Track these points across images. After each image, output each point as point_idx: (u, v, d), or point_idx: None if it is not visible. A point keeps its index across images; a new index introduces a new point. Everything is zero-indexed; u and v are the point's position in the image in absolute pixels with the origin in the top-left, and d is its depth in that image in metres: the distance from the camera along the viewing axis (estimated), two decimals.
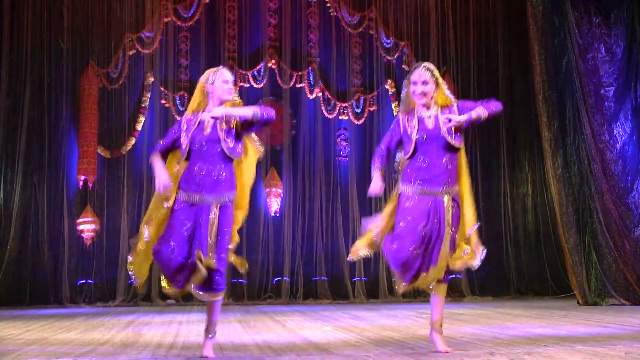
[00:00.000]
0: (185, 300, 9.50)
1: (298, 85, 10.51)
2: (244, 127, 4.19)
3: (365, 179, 10.39)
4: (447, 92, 4.31)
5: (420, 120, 4.25)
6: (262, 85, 10.35)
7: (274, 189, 10.18)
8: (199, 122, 4.20)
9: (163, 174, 4.13)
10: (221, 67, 4.34)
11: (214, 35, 10.35)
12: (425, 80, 4.23)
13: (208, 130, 4.16)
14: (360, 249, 4.36)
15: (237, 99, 4.34)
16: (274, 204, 10.18)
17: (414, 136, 4.21)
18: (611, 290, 7.99)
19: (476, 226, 4.19)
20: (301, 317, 7.22)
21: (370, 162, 4.54)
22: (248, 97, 9.95)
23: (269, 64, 10.38)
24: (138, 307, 9.28)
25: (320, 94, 10.53)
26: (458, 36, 10.81)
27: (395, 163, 4.40)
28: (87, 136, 9.78)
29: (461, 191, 4.25)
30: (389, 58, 10.67)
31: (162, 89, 10.16)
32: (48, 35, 9.93)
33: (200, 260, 4.00)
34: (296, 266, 10.11)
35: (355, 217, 10.25)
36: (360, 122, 10.61)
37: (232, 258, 4.24)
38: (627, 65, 8.48)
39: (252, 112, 4.10)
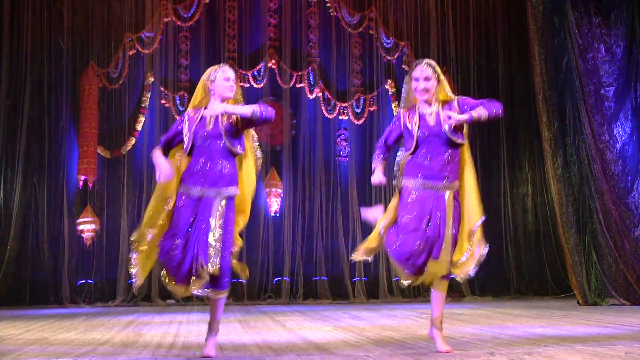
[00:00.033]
0: (185, 300, 9.51)
1: (298, 85, 10.52)
2: (243, 124, 4.20)
3: (365, 179, 10.40)
4: (448, 89, 4.32)
5: (422, 117, 4.25)
6: (262, 85, 10.35)
7: (274, 189, 10.18)
8: (201, 118, 4.21)
9: (164, 163, 4.13)
10: (223, 64, 4.35)
11: (214, 35, 10.35)
12: (427, 77, 4.24)
13: (210, 125, 4.18)
14: (362, 254, 4.35)
15: (239, 96, 4.35)
16: (274, 204, 10.18)
17: (415, 133, 4.21)
18: (611, 290, 7.99)
19: (481, 220, 4.18)
20: (301, 317, 7.22)
21: (370, 162, 4.55)
22: (248, 97, 9.93)
23: (269, 64, 10.38)
24: (138, 307, 9.28)
25: (320, 94, 10.53)
26: (458, 36, 10.81)
27: (395, 163, 4.39)
28: (87, 136, 9.78)
29: (466, 185, 4.22)
30: (389, 58, 10.67)
31: (162, 89, 10.16)
32: (48, 35, 9.93)
33: (202, 268, 3.98)
34: (296, 266, 10.11)
35: (355, 217, 10.25)
36: (360, 122, 10.61)
37: (234, 261, 4.22)
38: (627, 65, 8.48)
39: (252, 110, 4.11)
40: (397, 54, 10.65)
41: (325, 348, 4.48)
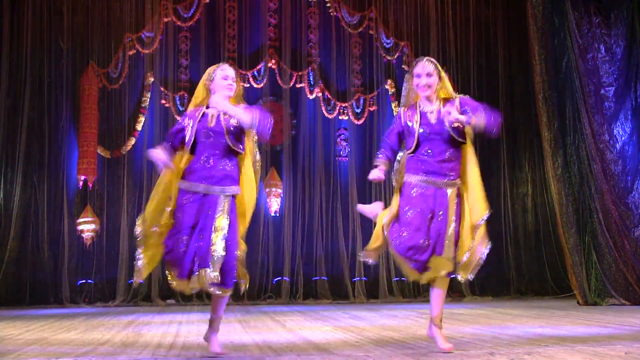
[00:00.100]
0: (185, 300, 9.52)
1: (298, 85, 10.52)
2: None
3: (365, 179, 10.37)
4: (450, 87, 4.31)
5: (423, 115, 4.24)
6: (262, 85, 10.35)
7: (274, 189, 10.18)
8: (203, 115, 4.21)
9: (158, 152, 4.13)
10: (222, 63, 4.36)
11: (214, 35, 10.36)
12: (429, 72, 4.24)
13: (212, 122, 4.18)
14: (372, 255, 4.35)
15: (240, 94, 4.36)
16: (274, 204, 10.18)
17: (416, 131, 4.20)
18: (611, 290, 7.99)
19: (487, 215, 4.17)
20: (301, 317, 7.22)
21: (370, 162, 4.55)
22: (248, 97, 9.94)
23: (269, 64, 10.38)
24: (138, 307, 9.28)
25: (320, 94, 10.53)
26: (458, 36, 10.81)
27: (395, 161, 4.38)
28: (87, 136, 9.78)
29: (470, 182, 4.20)
30: (389, 58, 10.67)
31: (162, 89, 10.16)
32: (48, 35, 9.94)
33: (203, 270, 3.97)
34: (296, 266, 10.11)
35: (355, 217, 10.24)
36: (360, 122, 10.61)
37: (240, 267, 4.19)
38: (627, 65, 8.48)
39: (250, 120, 4.10)
40: (397, 54, 10.65)
41: (325, 348, 4.48)
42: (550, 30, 8.52)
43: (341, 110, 10.60)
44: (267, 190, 10.13)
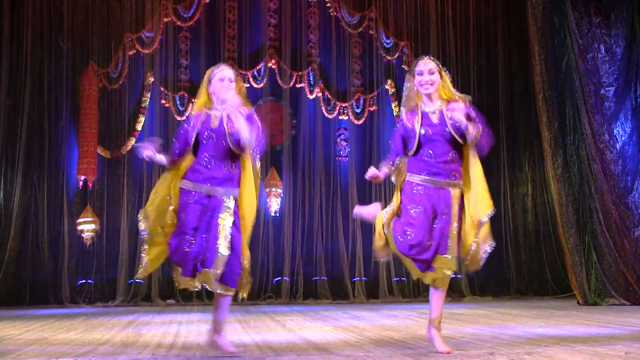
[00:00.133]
0: (185, 300, 9.52)
1: (298, 85, 10.51)
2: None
3: (365, 179, 10.39)
4: (451, 87, 4.30)
5: (425, 116, 4.23)
6: (262, 85, 10.35)
7: (274, 189, 10.18)
8: (206, 116, 4.21)
9: (148, 146, 4.19)
10: (220, 64, 4.36)
11: (214, 35, 10.36)
12: (431, 70, 4.23)
13: (215, 124, 4.18)
14: (382, 255, 4.34)
15: (243, 91, 4.36)
16: (274, 204, 10.18)
17: (417, 132, 4.19)
18: (611, 290, 7.99)
19: (491, 212, 4.16)
20: (301, 317, 7.22)
21: (371, 162, 4.53)
22: (248, 97, 9.94)
23: (269, 64, 10.38)
24: (138, 307, 9.28)
25: (320, 94, 10.53)
26: (458, 36, 10.81)
27: (395, 164, 4.36)
28: (87, 136, 9.78)
29: (473, 180, 4.19)
30: (389, 58, 10.67)
31: (162, 89, 10.16)
32: (48, 35, 9.94)
33: (207, 270, 3.98)
34: (296, 266, 10.11)
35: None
36: (360, 122, 10.61)
37: (245, 275, 4.18)
38: (627, 65, 8.48)
39: (248, 138, 4.09)
40: (397, 54, 10.65)
41: (325, 348, 4.48)
42: (550, 30, 8.52)
43: (341, 110, 10.60)
44: (267, 190, 10.13)
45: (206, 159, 4.15)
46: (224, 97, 4.23)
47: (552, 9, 8.51)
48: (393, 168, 4.33)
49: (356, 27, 10.61)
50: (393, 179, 4.36)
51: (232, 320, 6.76)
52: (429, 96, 4.25)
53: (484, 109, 10.41)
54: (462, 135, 4.17)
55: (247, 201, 4.24)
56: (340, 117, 10.61)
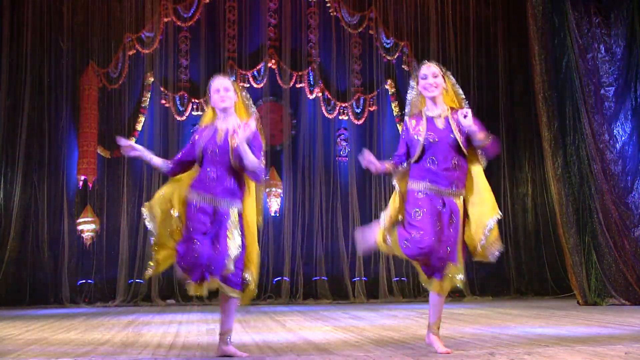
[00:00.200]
0: (185, 300, 9.52)
1: (298, 85, 10.51)
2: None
3: (365, 179, 10.41)
4: (459, 91, 4.31)
5: (429, 120, 4.22)
6: (262, 85, 10.35)
7: (274, 189, 10.18)
8: (213, 131, 4.23)
9: (126, 141, 4.41)
10: (216, 75, 4.36)
11: (214, 35, 10.36)
12: (434, 73, 4.24)
13: (221, 140, 4.18)
14: (388, 251, 4.32)
15: (246, 100, 4.36)
16: (274, 204, 10.18)
17: (422, 138, 4.18)
18: (611, 290, 7.99)
19: (496, 217, 4.17)
20: (301, 317, 7.22)
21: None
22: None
23: (269, 64, 10.38)
24: (138, 307, 9.28)
25: (320, 94, 10.53)
26: (458, 36, 10.81)
27: (399, 171, 4.34)
28: (87, 136, 9.78)
29: (476, 187, 4.21)
30: (389, 58, 10.67)
31: (162, 89, 10.16)
32: (48, 35, 9.94)
33: (214, 276, 4.00)
34: (296, 266, 10.11)
35: (355, 217, 10.25)
36: (360, 122, 10.61)
37: (251, 284, 4.19)
38: (627, 65, 8.48)
39: (254, 167, 4.10)
40: (397, 54, 10.65)
41: (325, 348, 4.48)
42: (550, 30, 8.52)
43: (341, 110, 10.59)
44: (267, 190, 10.13)
45: (211, 171, 4.15)
46: (222, 107, 4.23)
47: (552, 9, 8.51)
48: (398, 169, 4.31)
49: (356, 27, 10.61)
50: (395, 182, 4.35)
51: None
52: (433, 100, 4.25)
53: (484, 109, 10.45)
54: (467, 140, 4.16)
55: (248, 210, 4.26)
56: (340, 117, 10.61)
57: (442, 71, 4.28)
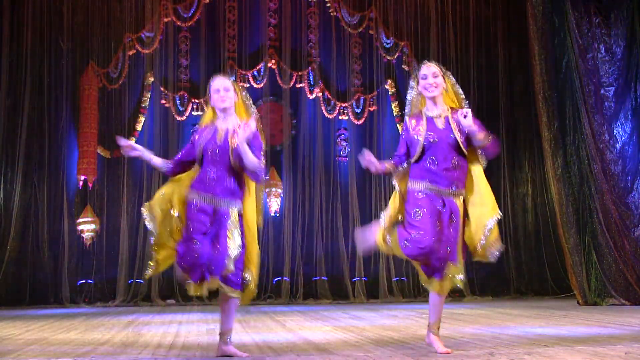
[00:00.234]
0: (185, 300, 9.52)
1: (298, 85, 10.51)
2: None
3: (365, 179, 10.41)
4: (459, 91, 4.31)
5: (429, 120, 4.22)
6: (262, 85, 10.35)
7: (274, 189, 10.18)
8: (213, 131, 4.23)
9: (125, 141, 4.39)
10: (216, 75, 4.36)
11: (214, 35, 10.36)
12: (435, 73, 4.25)
13: (221, 139, 4.18)
14: (388, 250, 4.31)
15: (246, 100, 4.36)
16: (274, 204, 10.18)
17: (422, 138, 4.18)
18: (611, 290, 7.99)
19: (497, 215, 4.16)
20: (301, 317, 7.22)
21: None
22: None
23: (269, 64, 10.38)
24: (138, 307, 9.28)
25: (320, 94, 10.53)
26: (458, 36, 10.81)
27: (400, 171, 4.34)
28: (87, 136, 9.78)
29: (476, 188, 4.21)
30: (389, 58, 10.67)
31: (162, 89, 10.17)
32: (48, 35, 9.94)
33: (214, 276, 4.00)
34: (296, 266, 10.11)
35: (355, 217, 10.25)
36: (360, 122, 10.61)
37: (253, 283, 4.20)
38: (627, 65, 8.48)
39: (254, 167, 4.09)
40: (397, 54, 10.65)
41: (325, 348, 4.48)
42: (550, 30, 8.52)
43: (341, 110, 10.60)
44: (267, 190, 10.13)
45: (211, 171, 4.15)
46: (222, 107, 4.23)
47: (552, 9, 8.51)
48: (398, 169, 4.31)
49: (356, 27, 10.61)
50: (395, 182, 4.35)
51: None
52: (433, 100, 4.25)
53: (484, 109, 10.45)
54: (467, 140, 4.16)
55: (249, 209, 4.26)
56: (340, 117, 10.61)
57: (442, 71, 4.28)
